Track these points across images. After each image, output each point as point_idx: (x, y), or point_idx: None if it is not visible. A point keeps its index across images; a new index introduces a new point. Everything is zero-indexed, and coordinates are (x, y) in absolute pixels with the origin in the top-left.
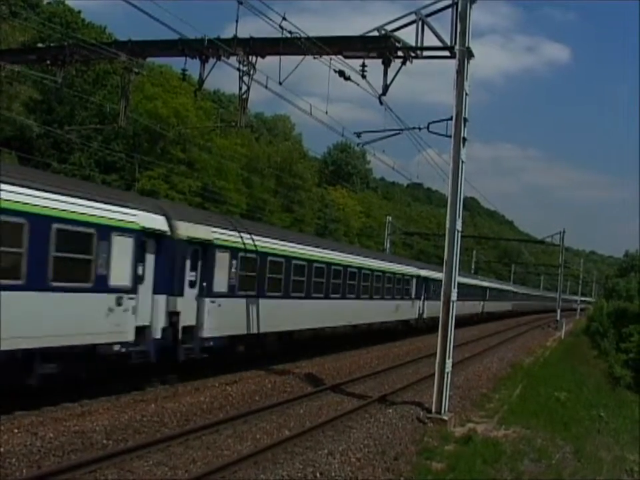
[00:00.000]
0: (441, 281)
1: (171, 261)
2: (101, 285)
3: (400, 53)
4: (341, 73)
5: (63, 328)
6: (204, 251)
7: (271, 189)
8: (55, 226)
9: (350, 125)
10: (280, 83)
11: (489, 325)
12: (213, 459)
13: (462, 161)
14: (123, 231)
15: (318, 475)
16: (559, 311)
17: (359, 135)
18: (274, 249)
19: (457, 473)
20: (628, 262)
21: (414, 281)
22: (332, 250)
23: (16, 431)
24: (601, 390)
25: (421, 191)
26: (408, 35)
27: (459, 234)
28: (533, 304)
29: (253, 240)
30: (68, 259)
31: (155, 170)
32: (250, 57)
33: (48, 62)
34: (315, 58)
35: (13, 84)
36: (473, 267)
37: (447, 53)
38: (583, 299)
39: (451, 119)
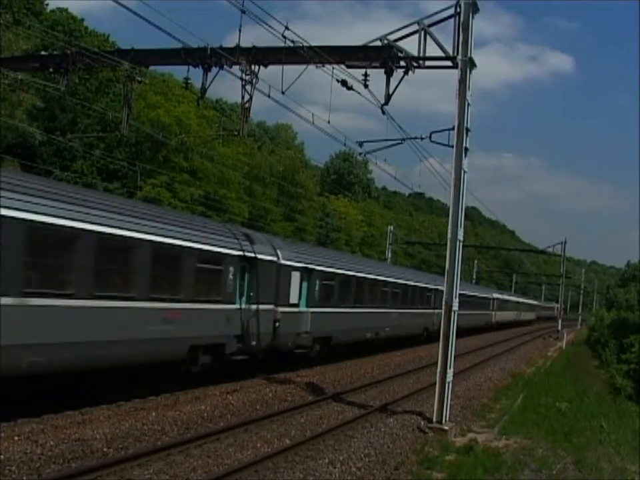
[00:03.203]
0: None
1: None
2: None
3: (402, 63)
4: (343, 83)
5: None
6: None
7: (272, 197)
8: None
9: (352, 134)
10: (282, 92)
11: (490, 335)
12: (214, 468)
13: (464, 171)
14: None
15: None
16: (559, 321)
17: (361, 144)
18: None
19: None
20: (629, 272)
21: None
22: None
23: (16, 438)
24: (602, 400)
25: (422, 200)
26: (410, 45)
27: (461, 243)
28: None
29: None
30: None
31: (157, 178)
32: (252, 66)
33: (51, 70)
34: (317, 67)
35: (16, 91)
36: (474, 276)
37: (449, 63)
38: (530, 301)
39: (452, 128)
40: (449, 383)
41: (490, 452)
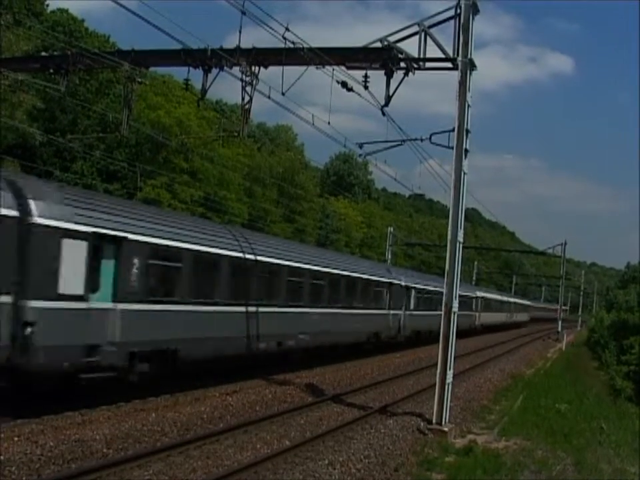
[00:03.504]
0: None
1: None
2: None
3: (402, 64)
4: (344, 84)
5: None
6: None
7: (272, 198)
8: None
9: (352, 136)
10: (282, 93)
11: (490, 337)
12: (213, 469)
13: (464, 172)
14: None
15: None
16: (559, 323)
17: (361, 145)
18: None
19: None
20: (629, 274)
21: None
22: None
23: (16, 439)
24: (602, 402)
25: (422, 201)
26: (411, 46)
27: (460, 245)
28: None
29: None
30: None
31: (157, 179)
32: (253, 67)
33: (51, 70)
34: (317, 68)
35: (16, 92)
36: (474, 277)
37: (449, 65)
38: (522, 301)
39: (453, 130)
40: (448, 384)
41: (490, 453)
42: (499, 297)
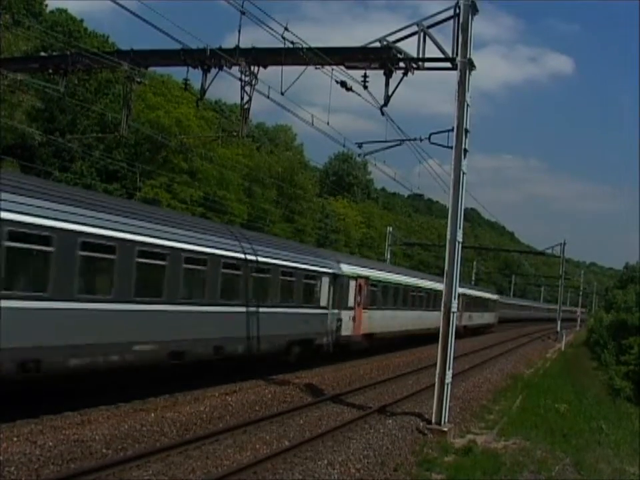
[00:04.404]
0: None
1: None
2: None
3: (401, 64)
4: (343, 84)
5: None
6: None
7: (272, 198)
8: None
9: (351, 136)
10: (282, 93)
11: (489, 337)
12: (213, 469)
13: (463, 172)
14: None
15: None
16: (559, 323)
17: (360, 145)
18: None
19: None
20: (628, 274)
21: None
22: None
23: (15, 439)
24: (601, 402)
25: (421, 201)
26: (410, 46)
27: (460, 245)
28: None
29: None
30: None
31: (156, 179)
32: (252, 67)
33: (50, 70)
34: (316, 68)
35: (15, 92)
36: (473, 277)
37: (448, 65)
38: (483, 294)
39: (452, 129)
40: (448, 384)
41: (489, 453)
42: (426, 284)
